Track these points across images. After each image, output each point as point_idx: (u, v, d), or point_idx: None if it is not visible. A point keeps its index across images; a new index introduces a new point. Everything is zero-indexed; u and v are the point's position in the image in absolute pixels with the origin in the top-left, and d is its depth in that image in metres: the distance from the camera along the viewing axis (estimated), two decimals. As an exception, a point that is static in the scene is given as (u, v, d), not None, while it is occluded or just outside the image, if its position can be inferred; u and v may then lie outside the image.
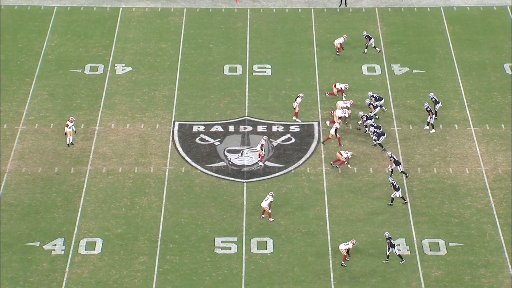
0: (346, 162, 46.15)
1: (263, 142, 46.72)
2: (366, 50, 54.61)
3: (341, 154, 46.11)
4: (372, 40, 54.55)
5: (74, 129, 47.36)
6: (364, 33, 54.97)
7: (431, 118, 48.40)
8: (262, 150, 46.65)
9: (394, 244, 40.84)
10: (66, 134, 47.26)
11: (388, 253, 40.94)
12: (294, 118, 49.80)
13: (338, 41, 54.27)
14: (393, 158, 45.27)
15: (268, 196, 42.97)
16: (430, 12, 59.03)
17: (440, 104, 49.34)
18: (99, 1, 59.84)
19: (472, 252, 41.67)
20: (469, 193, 45.00)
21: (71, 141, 47.28)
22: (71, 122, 47.19)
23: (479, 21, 58.07)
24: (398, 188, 43.62)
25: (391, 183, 43.68)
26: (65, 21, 57.76)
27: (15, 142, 47.79)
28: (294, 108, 49.52)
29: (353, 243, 40.77)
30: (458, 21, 58.03)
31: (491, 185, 45.41)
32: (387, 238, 40.95)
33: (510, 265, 40.99)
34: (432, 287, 39.89)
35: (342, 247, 40.79)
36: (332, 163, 46.55)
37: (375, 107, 49.09)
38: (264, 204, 42.79)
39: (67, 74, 52.90)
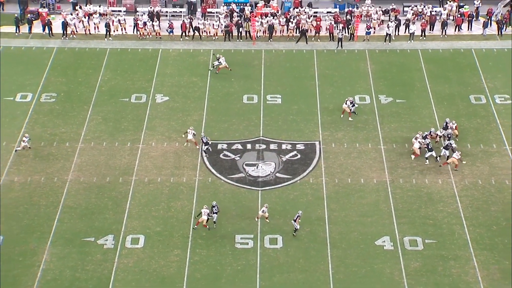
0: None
1: (193, 131, 48.16)
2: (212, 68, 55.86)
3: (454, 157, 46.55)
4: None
5: (28, 145, 47.63)
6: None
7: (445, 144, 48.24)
8: (193, 137, 47.93)
9: (296, 219, 41.80)
10: (21, 145, 47.55)
11: (296, 227, 41.79)
12: (348, 118, 51.00)
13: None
14: None
15: (263, 208, 42.84)
16: (410, 53, 59.09)
17: (356, 106, 50.90)
18: (143, 44, 60.17)
19: (444, 248, 41.68)
20: (442, 199, 44.97)
21: (20, 148, 47.68)
22: (26, 137, 47.72)
23: (449, 61, 58.08)
24: None
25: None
26: (115, 59, 58.07)
27: (75, 157, 48.01)
28: (351, 111, 50.86)
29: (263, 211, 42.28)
30: (433, 61, 58.05)
31: (459, 193, 45.36)
32: (298, 215, 41.85)
33: (474, 258, 40.98)
34: (412, 276, 39.90)
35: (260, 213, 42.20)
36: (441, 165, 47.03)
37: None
38: (260, 212, 42.76)
39: (117, 102, 53.15)
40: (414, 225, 43.11)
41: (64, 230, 42.55)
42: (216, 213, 42.69)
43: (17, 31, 60.98)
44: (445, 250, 41.49)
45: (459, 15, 62.26)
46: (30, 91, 54.01)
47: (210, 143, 48.20)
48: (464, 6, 63.03)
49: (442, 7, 63.80)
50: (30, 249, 41.17)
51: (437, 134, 48.84)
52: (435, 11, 62.81)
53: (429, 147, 47.56)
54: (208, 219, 42.47)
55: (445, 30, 61.19)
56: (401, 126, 50.94)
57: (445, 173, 46.82)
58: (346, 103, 51.33)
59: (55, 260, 40.65)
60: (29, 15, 62.13)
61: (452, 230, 42.84)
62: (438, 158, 47.56)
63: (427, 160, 47.59)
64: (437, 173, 46.89)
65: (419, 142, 47.69)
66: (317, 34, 60.47)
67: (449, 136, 48.33)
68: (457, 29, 61.82)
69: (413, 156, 47.85)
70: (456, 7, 63.08)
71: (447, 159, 47.07)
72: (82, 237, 42.15)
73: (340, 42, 59.47)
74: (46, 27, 60.81)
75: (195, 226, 42.75)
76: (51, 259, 40.65)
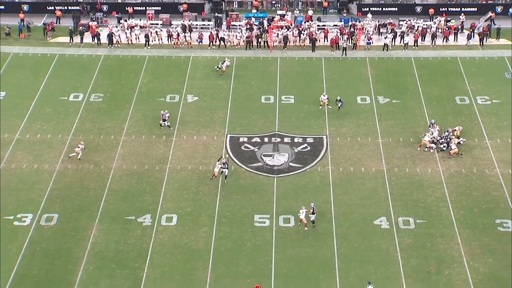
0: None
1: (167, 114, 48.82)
2: None
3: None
4: None
5: (81, 153, 46.34)
6: None
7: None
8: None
9: (314, 212, 40.76)
10: (75, 152, 46.27)
11: (312, 219, 40.78)
12: (319, 107, 51.55)
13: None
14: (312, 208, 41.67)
15: (303, 210, 41.03)
16: (404, 60, 58.73)
17: (342, 103, 50.94)
18: (176, 52, 60.15)
19: (432, 227, 41.48)
20: (431, 186, 44.71)
21: (78, 158, 46.30)
22: (81, 145, 46.59)
23: (438, 67, 57.67)
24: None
25: (312, 207, 41.26)
26: (153, 65, 58.08)
27: (119, 147, 48.10)
28: (326, 103, 51.51)
29: (305, 211, 40.70)
30: (424, 67, 57.66)
31: (446, 181, 45.08)
32: (312, 208, 40.80)
33: (458, 235, 40.80)
34: (405, 251, 39.75)
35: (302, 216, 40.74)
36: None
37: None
38: (302, 216, 41.07)
39: (154, 102, 53.11)
40: (407, 207, 42.90)
41: (109, 210, 42.67)
42: (226, 168, 43.76)
43: (71, 41, 61.19)
44: (433, 229, 41.27)
45: (446, 28, 61.99)
46: (81, 92, 54.13)
47: (166, 119, 48.95)
48: (451, 21, 62.80)
49: (432, 21, 63.52)
50: (82, 225, 41.37)
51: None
52: (426, 24, 62.50)
53: (435, 140, 47.53)
54: (221, 172, 43.99)
55: (435, 41, 60.84)
56: (397, 123, 50.65)
57: (433, 163, 46.52)
58: (321, 97, 51.67)
59: (101, 235, 40.82)
60: (81, 27, 62.34)
61: (439, 211, 42.60)
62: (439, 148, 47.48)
63: (431, 150, 47.48)
64: (427, 163, 46.62)
65: (429, 136, 47.53)
66: (332, 46, 59.92)
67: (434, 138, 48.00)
68: (444, 40, 61.45)
69: (419, 148, 47.55)
70: (444, 21, 62.82)
71: (450, 152, 46.85)
72: (124, 216, 42.23)
73: (344, 51, 59.18)
74: (95, 37, 61.01)
75: (212, 178, 44.10)
76: (98, 234, 40.84)
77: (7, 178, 44.98)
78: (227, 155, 44.94)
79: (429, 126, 48.90)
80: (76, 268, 38.52)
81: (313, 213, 41.03)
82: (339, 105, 51.28)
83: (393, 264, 38.91)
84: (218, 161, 44.39)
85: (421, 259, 39.21)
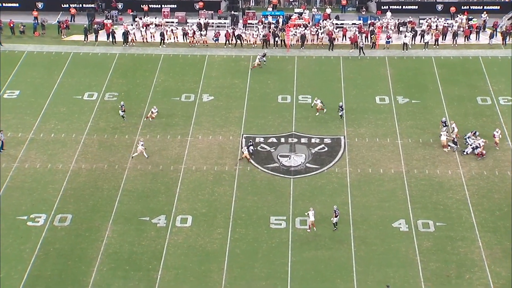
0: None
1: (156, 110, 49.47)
2: None
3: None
4: None
5: (144, 151, 46.36)
6: None
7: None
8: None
9: (337, 215, 40.47)
10: (139, 151, 46.35)
11: (335, 221, 40.49)
12: (316, 113, 50.77)
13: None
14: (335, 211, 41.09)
15: (310, 212, 40.83)
16: (424, 60, 58.23)
17: (343, 110, 50.02)
18: (191, 51, 60.01)
19: (452, 230, 41.02)
20: (451, 188, 44.23)
21: (147, 156, 46.38)
22: (141, 142, 46.65)
23: (459, 66, 57.16)
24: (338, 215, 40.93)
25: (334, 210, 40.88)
26: (168, 64, 57.98)
27: (133, 147, 47.94)
28: (321, 107, 50.68)
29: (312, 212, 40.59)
30: (444, 66, 57.13)
31: (467, 183, 44.58)
32: (334, 211, 40.45)
33: (479, 239, 40.32)
34: (424, 254, 39.37)
35: (312, 218, 40.58)
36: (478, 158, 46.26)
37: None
38: (311, 218, 40.71)
39: (169, 101, 52.97)
40: (426, 210, 42.46)
41: (123, 210, 42.57)
42: (251, 146, 46.00)
43: (86, 39, 61.29)
44: (453, 232, 40.83)
45: (468, 27, 61.45)
46: (96, 90, 54.10)
47: (124, 110, 49.98)
48: (473, 19, 62.35)
49: (454, 19, 63.06)
50: (96, 226, 41.21)
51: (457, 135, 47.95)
52: (447, 23, 62.09)
53: (455, 140, 47.07)
54: (249, 153, 45.98)
55: (456, 40, 60.33)
56: (416, 123, 50.21)
57: (454, 165, 46.04)
58: (314, 102, 50.95)
59: (115, 236, 40.73)
60: (95, 25, 62.41)
61: (460, 214, 42.14)
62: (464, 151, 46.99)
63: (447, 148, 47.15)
64: (447, 164, 46.15)
65: (445, 135, 47.15)
66: (352, 44, 59.42)
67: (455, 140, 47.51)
68: (466, 39, 60.98)
69: (446, 149, 47.08)
70: (466, 20, 62.29)
71: (476, 152, 46.35)
72: (138, 216, 42.11)
73: (361, 50, 58.68)
74: (110, 36, 61.07)
75: (240, 158, 45.87)
76: (112, 235, 40.75)
77: (20, 178, 45.05)
78: (250, 141, 47.16)
79: (444, 125, 48.26)
80: (90, 269, 38.44)
81: (336, 216, 40.67)
82: (340, 113, 50.37)
83: (412, 267, 38.50)
84: (245, 146, 46.14)
85: (441, 263, 38.76)
